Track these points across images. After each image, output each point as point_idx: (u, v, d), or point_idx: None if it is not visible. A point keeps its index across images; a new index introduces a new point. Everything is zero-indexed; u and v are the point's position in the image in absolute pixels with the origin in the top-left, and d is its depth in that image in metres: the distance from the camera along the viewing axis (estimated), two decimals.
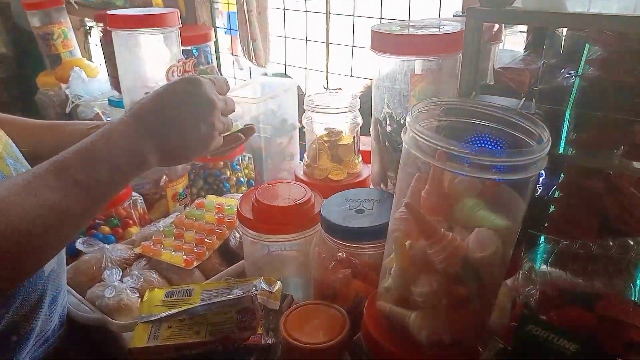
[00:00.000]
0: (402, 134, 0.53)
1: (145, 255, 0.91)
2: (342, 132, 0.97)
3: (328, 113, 0.95)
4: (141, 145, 0.61)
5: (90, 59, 2.09)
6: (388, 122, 0.85)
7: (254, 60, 1.37)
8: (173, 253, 0.89)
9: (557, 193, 0.73)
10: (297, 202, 0.79)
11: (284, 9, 1.39)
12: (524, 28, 0.98)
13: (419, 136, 0.50)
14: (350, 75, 1.34)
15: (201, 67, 1.43)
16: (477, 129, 0.60)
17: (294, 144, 1.30)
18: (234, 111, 0.73)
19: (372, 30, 0.80)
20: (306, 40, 1.39)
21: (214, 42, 1.52)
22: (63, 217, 0.55)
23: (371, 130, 0.85)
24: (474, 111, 0.60)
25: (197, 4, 1.55)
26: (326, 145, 0.95)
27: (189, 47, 1.44)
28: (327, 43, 1.35)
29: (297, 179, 1.00)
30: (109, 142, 0.60)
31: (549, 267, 0.72)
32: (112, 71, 1.61)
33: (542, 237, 0.75)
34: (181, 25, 1.15)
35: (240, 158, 1.25)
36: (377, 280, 0.66)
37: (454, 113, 0.61)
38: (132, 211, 1.05)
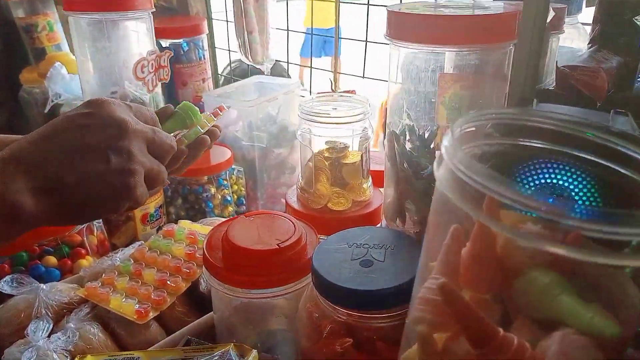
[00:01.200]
0: (434, 166, 0.31)
1: (90, 300, 0.71)
2: (347, 147, 0.75)
3: (331, 123, 0.73)
4: (10, 188, 0.42)
5: None
6: (408, 137, 0.64)
7: (249, 57, 1.17)
8: (123, 300, 0.69)
9: None
10: (281, 245, 0.58)
11: None
12: (588, 18, 0.77)
13: (464, 174, 0.29)
14: (363, 77, 1.13)
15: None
16: (547, 160, 0.38)
17: (296, 155, 1.10)
18: (172, 152, 0.52)
19: (387, 11, 0.58)
20: (312, 34, 1.18)
21: (207, 34, 1.32)
22: None
23: (385, 147, 0.63)
24: (540, 129, 0.39)
25: None
26: (326, 163, 0.73)
27: (179, 40, 1.27)
28: (336, 37, 1.14)
29: (288, 207, 0.78)
30: None
31: None
32: None
33: None
34: (154, 10, 0.94)
35: (228, 172, 1.05)
36: (387, 354, 0.47)
37: (507, 132, 0.40)
38: (86, 238, 0.85)
